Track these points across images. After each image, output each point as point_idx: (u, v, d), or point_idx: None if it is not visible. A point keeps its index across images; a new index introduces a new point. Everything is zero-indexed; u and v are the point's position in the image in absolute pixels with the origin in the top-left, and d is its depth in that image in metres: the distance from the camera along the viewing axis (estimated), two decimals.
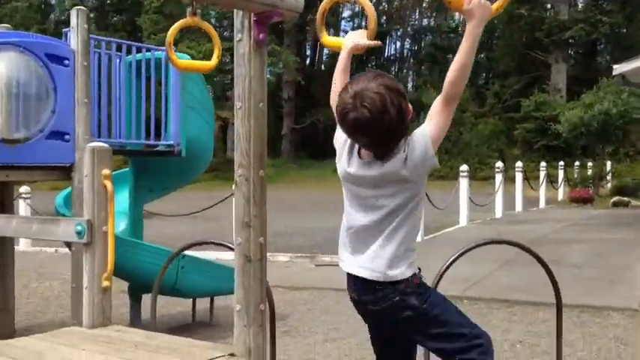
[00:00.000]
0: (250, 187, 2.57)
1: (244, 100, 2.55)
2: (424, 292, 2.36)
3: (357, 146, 2.35)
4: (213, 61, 2.63)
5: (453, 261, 3.15)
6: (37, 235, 3.38)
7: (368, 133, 2.18)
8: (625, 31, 35.91)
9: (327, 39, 2.69)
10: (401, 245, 2.31)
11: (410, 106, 2.25)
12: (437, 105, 2.25)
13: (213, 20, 38.70)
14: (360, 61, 46.21)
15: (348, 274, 2.51)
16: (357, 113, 2.15)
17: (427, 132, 2.24)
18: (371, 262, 2.36)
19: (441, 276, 3.12)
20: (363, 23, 48.67)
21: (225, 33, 39.40)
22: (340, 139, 2.42)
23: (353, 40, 2.54)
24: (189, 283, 5.38)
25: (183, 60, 2.62)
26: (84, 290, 3.08)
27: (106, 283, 3.06)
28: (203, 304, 6.16)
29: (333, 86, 2.60)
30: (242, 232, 2.58)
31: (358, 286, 2.46)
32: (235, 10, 2.53)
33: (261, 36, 2.59)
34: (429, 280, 6.91)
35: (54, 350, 2.61)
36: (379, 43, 2.61)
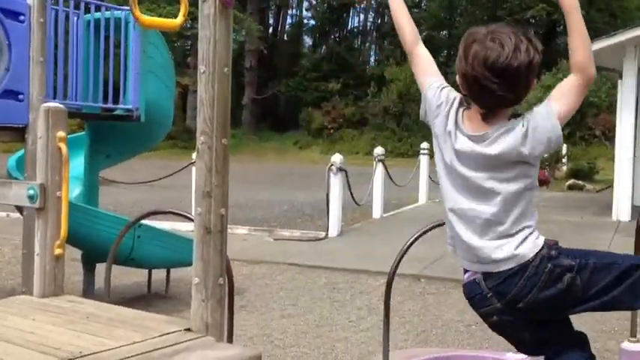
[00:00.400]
0: (212, 155, 2.47)
1: (208, 65, 2.44)
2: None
3: (460, 117, 2.18)
4: (179, 19, 2.50)
5: (413, 241, 3.11)
6: None
7: (500, 76, 2.00)
8: (585, 13, 36.35)
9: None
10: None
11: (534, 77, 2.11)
12: (573, 84, 2.08)
13: None
14: (322, 33, 45.97)
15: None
16: (492, 50, 2.01)
17: (555, 108, 2.06)
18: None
19: (402, 256, 3.07)
20: None
21: None
22: (440, 102, 2.26)
23: None
24: (145, 253, 5.26)
25: (148, 17, 2.47)
26: (35, 257, 2.95)
27: (58, 251, 2.93)
28: (159, 275, 6.05)
29: (403, 34, 2.49)
30: (202, 202, 2.48)
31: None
32: None
33: None
34: (387, 258, 6.87)
35: (2, 319, 2.48)
36: None
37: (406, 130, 32.22)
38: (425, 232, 3.11)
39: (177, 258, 5.55)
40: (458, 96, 2.24)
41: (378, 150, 11.43)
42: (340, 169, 9.19)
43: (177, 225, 7.80)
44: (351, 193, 9.73)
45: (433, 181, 13.33)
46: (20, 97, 4.44)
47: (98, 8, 5.44)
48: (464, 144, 2.14)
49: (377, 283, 6.48)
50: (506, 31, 2.06)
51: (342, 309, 5.63)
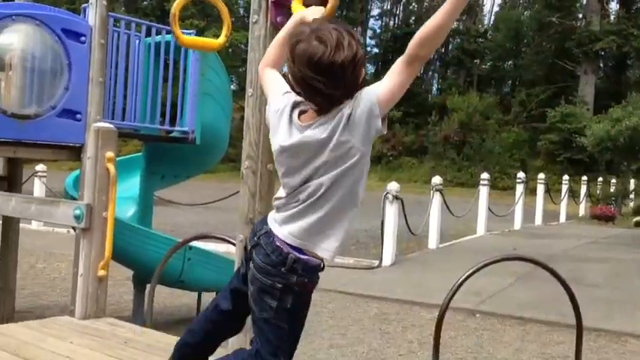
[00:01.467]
0: (257, 180, 2.41)
1: (256, 88, 2.38)
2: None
3: (296, 111, 2.05)
4: (221, 39, 2.45)
5: (468, 276, 2.95)
6: (35, 217, 3.24)
7: (324, 74, 1.92)
8: None
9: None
10: None
11: (364, 69, 2.05)
12: (397, 64, 2.01)
13: (241, 10, 38.70)
14: (384, 61, 45.97)
15: None
16: (315, 49, 1.92)
17: (378, 90, 2.00)
18: None
19: (456, 291, 2.92)
20: (392, 22, 48.36)
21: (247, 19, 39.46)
22: (275, 107, 2.08)
23: (305, 14, 2.15)
24: (195, 275, 5.23)
25: (189, 36, 2.43)
26: (78, 278, 2.94)
27: (102, 272, 2.90)
28: (209, 298, 6.01)
29: (264, 58, 2.21)
30: (245, 228, 2.41)
31: None
32: None
33: (278, 19, 2.41)
34: (441, 290, 6.68)
35: (40, 341, 2.45)
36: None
37: (467, 159, 31.73)
38: (484, 267, 2.95)
39: (228, 281, 5.50)
40: (292, 99, 2.09)
41: (436, 179, 11.21)
42: (396, 198, 9.03)
43: (230, 248, 7.77)
44: (407, 222, 9.55)
45: (492, 212, 13.01)
46: (78, 116, 4.50)
47: (159, 31, 5.50)
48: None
49: (430, 316, 6.28)
50: (328, 28, 1.96)
51: (392, 342, 5.46)
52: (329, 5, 2.27)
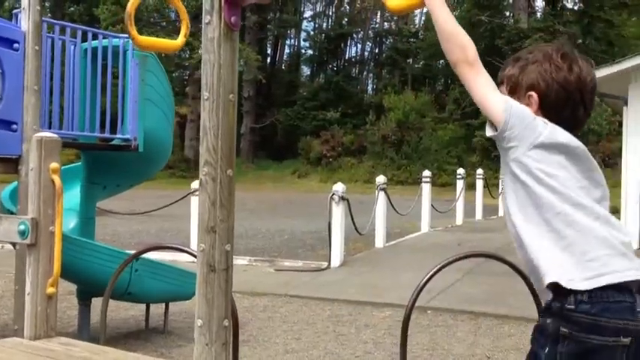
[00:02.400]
0: (217, 187, 2.30)
1: (212, 91, 2.28)
2: None
3: None
4: (180, 39, 2.34)
5: (433, 275, 2.93)
6: None
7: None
8: (582, 41, 36.55)
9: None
10: None
11: None
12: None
13: (172, 14, 38.12)
14: (319, 62, 46.14)
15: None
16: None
17: None
18: None
19: (420, 290, 2.89)
20: (324, 24, 48.61)
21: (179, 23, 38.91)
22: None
23: None
24: (143, 287, 5.06)
25: (146, 38, 2.31)
26: (26, 297, 2.77)
27: (50, 290, 2.75)
28: (157, 309, 5.84)
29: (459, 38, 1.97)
30: (206, 237, 2.31)
31: None
32: None
33: (232, 19, 2.32)
34: (391, 289, 6.66)
35: None
36: None
37: (405, 157, 32.13)
38: (449, 264, 2.93)
39: (177, 291, 5.36)
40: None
41: (380, 178, 11.26)
42: (342, 198, 9.02)
43: (176, 256, 7.61)
44: (354, 223, 9.55)
45: (435, 209, 13.18)
46: (14, 127, 4.30)
47: (95, 36, 5.31)
48: None
49: (382, 315, 6.28)
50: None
51: (347, 343, 5.43)
52: None
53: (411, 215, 12.54)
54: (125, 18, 2.16)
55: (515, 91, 2.01)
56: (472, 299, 6.78)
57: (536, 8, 40.32)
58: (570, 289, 1.73)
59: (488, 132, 1.94)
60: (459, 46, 1.93)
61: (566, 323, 1.72)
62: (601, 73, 9.76)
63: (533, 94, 1.95)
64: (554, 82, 1.94)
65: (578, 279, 1.73)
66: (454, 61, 1.93)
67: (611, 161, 27.87)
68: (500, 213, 17.24)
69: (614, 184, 10.91)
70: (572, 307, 1.72)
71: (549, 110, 1.93)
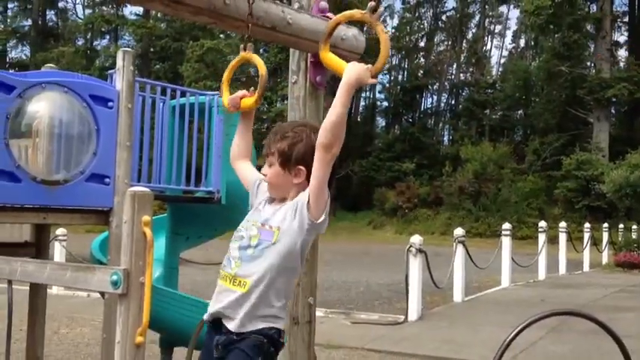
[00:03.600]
0: None
1: None
2: None
3: None
4: (254, 98, 2.48)
5: (519, 333, 2.85)
6: (71, 284, 3.18)
7: None
8: None
9: (328, 56, 2.30)
10: None
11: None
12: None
13: (252, 70, 39.31)
14: (395, 113, 46.33)
15: None
16: None
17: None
18: None
19: (506, 348, 2.82)
20: (400, 76, 48.93)
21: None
22: None
23: (358, 73, 2.19)
24: None
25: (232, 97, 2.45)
26: (116, 345, 2.86)
27: (139, 339, 2.82)
28: None
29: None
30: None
31: None
32: (291, 51, 2.37)
33: (318, 78, 2.42)
34: (472, 345, 6.49)
35: None
36: (376, 81, 2.35)
37: (483, 209, 31.56)
38: (534, 322, 2.86)
39: None
40: None
41: (459, 231, 11.10)
42: (420, 251, 8.93)
43: None
44: (431, 276, 9.41)
45: (516, 263, 12.83)
46: (106, 180, 4.51)
47: (183, 94, 5.56)
48: None
49: None
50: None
51: None
52: (377, 63, 2.31)
53: (490, 269, 12.25)
54: (221, 85, 2.31)
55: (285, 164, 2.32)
56: (557, 358, 6.52)
57: (619, 58, 39.44)
58: None
59: (303, 214, 2.24)
60: (339, 139, 2.21)
61: None
62: None
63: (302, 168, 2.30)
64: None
65: None
66: (327, 145, 2.17)
67: None
68: (585, 268, 16.63)
69: None
70: None
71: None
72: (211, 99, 5.43)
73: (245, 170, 2.63)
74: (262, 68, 2.41)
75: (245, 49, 2.35)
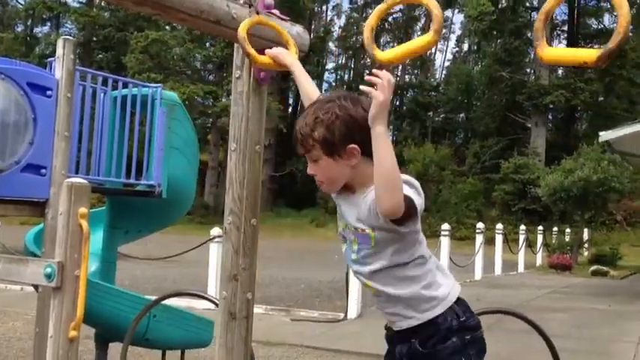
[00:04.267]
0: (241, 236, 2.36)
1: (240, 142, 2.36)
2: None
3: None
4: (293, 53, 2.36)
5: None
6: (3, 276, 3.10)
7: None
8: (603, 99, 36.67)
9: (382, 55, 2.15)
10: None
11: None
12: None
13: (197, 64, 38.92)
14: None
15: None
16: None
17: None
18: None
19: None
20: (346, 76, 49.26)
21: (209, 77, 39.59)
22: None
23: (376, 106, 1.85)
24: (160, 333, 5.06)
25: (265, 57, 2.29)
26: (48, 339, 2.79)
27: (73, 333, 2.77)
28: (173, 356, 5.83)
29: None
30: (228, 285, 2.36)
31: None
32: (236, 46, 2.36)
33: (262, 75, 2.42)
34: None
35: None
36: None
37: (424, 210, 31.99)
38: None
39: (194, 338, 5.35)
40: None
41: None
42: None
43: (192, 303, 7.62)
44: None
45: (454, 263, 13.08)
46: (42, 171, 4.40)
47: (126, 85, 5.47)
48: None
49: None
50: None
51: None
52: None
53: None
54: (240, 42, 2.19)
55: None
56: (490, 356, 6.65)
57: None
58: None
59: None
60: (399, 191, 1.87)
61: None
62: (623, 131, 9.79)
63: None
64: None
65: None
66: (393, 211, 1.86)
67: (632, 220, 27.61)
68: (520, 269, 17.09)
69: (637, 241, 10.80)
70: None
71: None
72: (154, 91, 5.35)
73: None
74: (281, 30, 2.35)
75: (257, 13, 2.27)
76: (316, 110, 2.01)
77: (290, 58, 2.30)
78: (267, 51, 2.26)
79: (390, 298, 2.06)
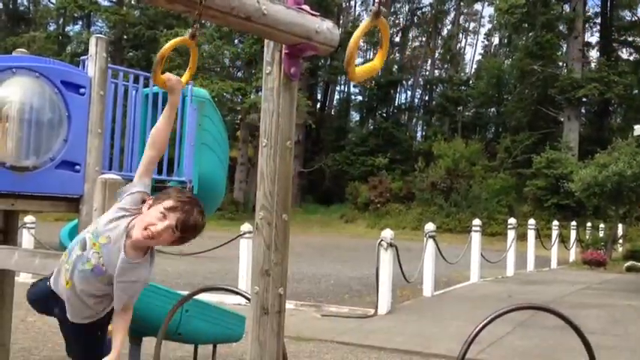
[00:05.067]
0: (272, 232, 2.37)
1: (271, 138, 2.37)
2: None
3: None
4: (185, 78, 2.68)
5: (484, 326, 2.90)
6: (39, 271, 3.17)
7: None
8: (637, 92, 36.00)
9: (359, 72, 2.26)
10: None
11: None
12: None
13: (226, 61, 39.11)
14: (369, 108, 46.45)
15: None
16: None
17: None
18: None
19: (471, 342, 2.87)
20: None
21: (238, 73, 39.75)
22: None
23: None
24: (193, 328, 5.11)
25: (165, 75, 2.60)
26: None
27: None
28: (205, 350, 5.88)
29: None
30: (260, 280, 2.37)
31: None
32: (266, 42, 2.37)
33: (292, 70, 2.42)
34: (440, 339, 6.57)
35: None
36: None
37: (454, 205, 31.81)
38: (498, 316, 2.90)
39: (225, 333, 5.39)
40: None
41: (429, 226, 11.19)
42: (391, 245, 8.99)
43: (223, 298, 7.68)
44: (402, 270, 9.49)
45: (485, 259, 12.98)
46: (77, 167, 4.47)
47: None
48: None
49: None
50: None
51: None
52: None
53: (459, 264, 12.39)
54: (155, 60, 2.39)
55: None
56: (523, 353, 6.62)
57: (591, 58, 39.99)
58: None
59: None
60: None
61: None
62: None
63: None
64: None
65: None
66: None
67: None
68: (553, 265, 16.89)
69: None
70: None
71: None
72: (185, 89, 5.39)
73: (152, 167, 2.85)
74: (194, 67, 2.58)
75: (193, 37, 2.42)
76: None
77: (176, 93, 2.71)
78: (167, 75, 2.66)
79: None
